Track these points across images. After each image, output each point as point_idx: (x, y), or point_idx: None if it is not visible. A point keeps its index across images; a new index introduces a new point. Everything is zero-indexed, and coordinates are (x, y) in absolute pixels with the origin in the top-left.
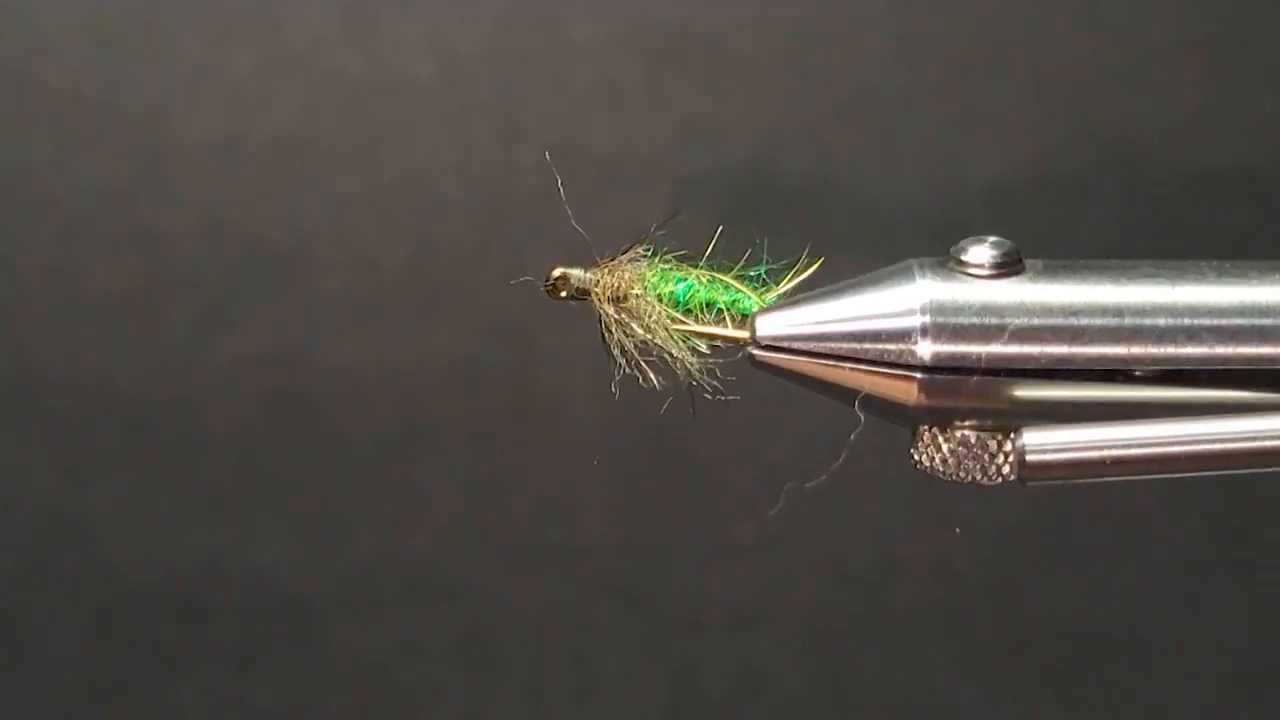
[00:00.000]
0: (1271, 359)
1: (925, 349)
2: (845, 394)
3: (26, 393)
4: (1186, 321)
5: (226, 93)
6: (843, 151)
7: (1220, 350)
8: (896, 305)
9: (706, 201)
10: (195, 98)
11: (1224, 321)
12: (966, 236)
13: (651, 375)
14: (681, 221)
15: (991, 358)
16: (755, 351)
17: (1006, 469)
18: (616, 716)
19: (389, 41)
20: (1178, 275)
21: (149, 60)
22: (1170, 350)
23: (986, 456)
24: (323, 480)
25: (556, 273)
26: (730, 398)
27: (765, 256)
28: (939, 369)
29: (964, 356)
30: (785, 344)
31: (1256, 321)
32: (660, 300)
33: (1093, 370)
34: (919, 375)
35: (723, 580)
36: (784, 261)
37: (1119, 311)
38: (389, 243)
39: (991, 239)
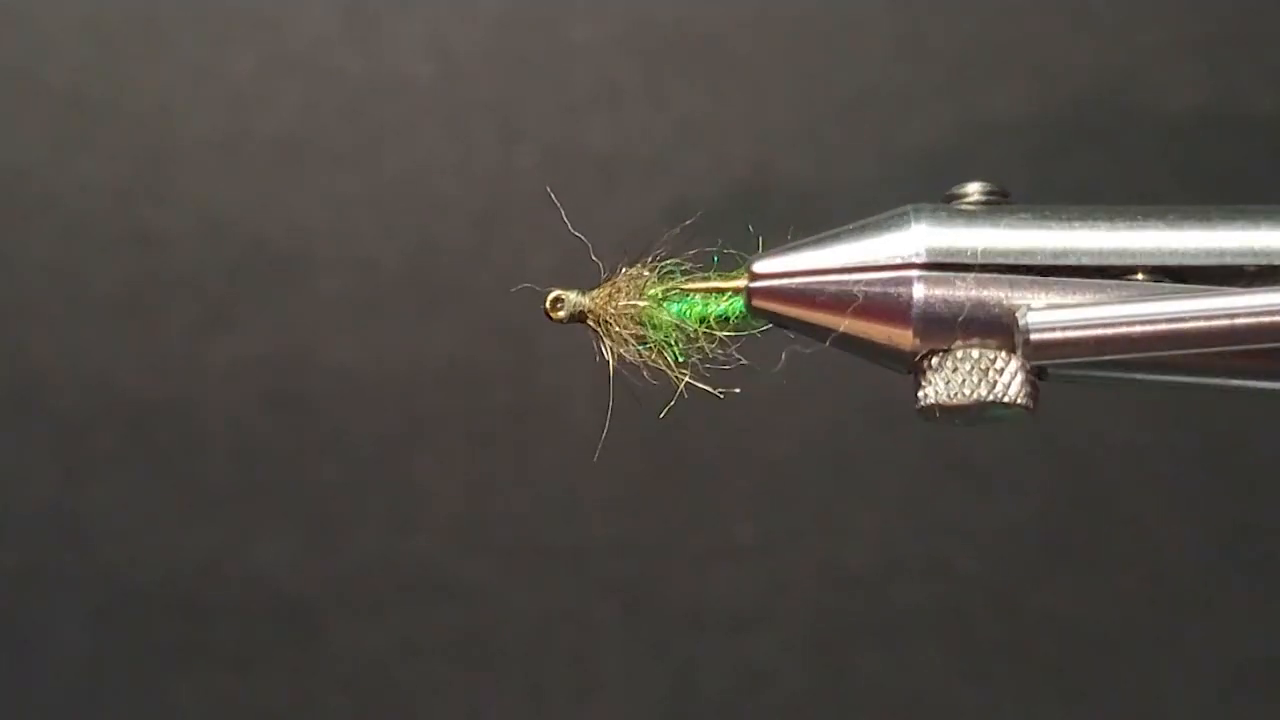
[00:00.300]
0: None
1: (920, 238)
2: (842, 337)
3: (26, 393)
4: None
5: (226, 93)
6: (843, 151)
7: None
8: (892, 229)
9: (706, 201)
10: (195, 98)
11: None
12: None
13: (646, 371)
14: (680, 225)
15: (987, 251)
16: (754, 285)
17: (1015, 386)
18: (616, 716)
19: (389, 41)
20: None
21: (149, 60)
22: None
23: (992, 372)
24: (323, 480)
25: (554, 295)
26: (725, 392)
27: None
28: (936, 265)
29: (958, 252)
30: (782, 281)
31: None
32: (656, 324)
33: (1088, 268)
34: (916, 274)
35: (723, 580)
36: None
37: (1110, 220)
38: (389, 243)
39: (980, 181)
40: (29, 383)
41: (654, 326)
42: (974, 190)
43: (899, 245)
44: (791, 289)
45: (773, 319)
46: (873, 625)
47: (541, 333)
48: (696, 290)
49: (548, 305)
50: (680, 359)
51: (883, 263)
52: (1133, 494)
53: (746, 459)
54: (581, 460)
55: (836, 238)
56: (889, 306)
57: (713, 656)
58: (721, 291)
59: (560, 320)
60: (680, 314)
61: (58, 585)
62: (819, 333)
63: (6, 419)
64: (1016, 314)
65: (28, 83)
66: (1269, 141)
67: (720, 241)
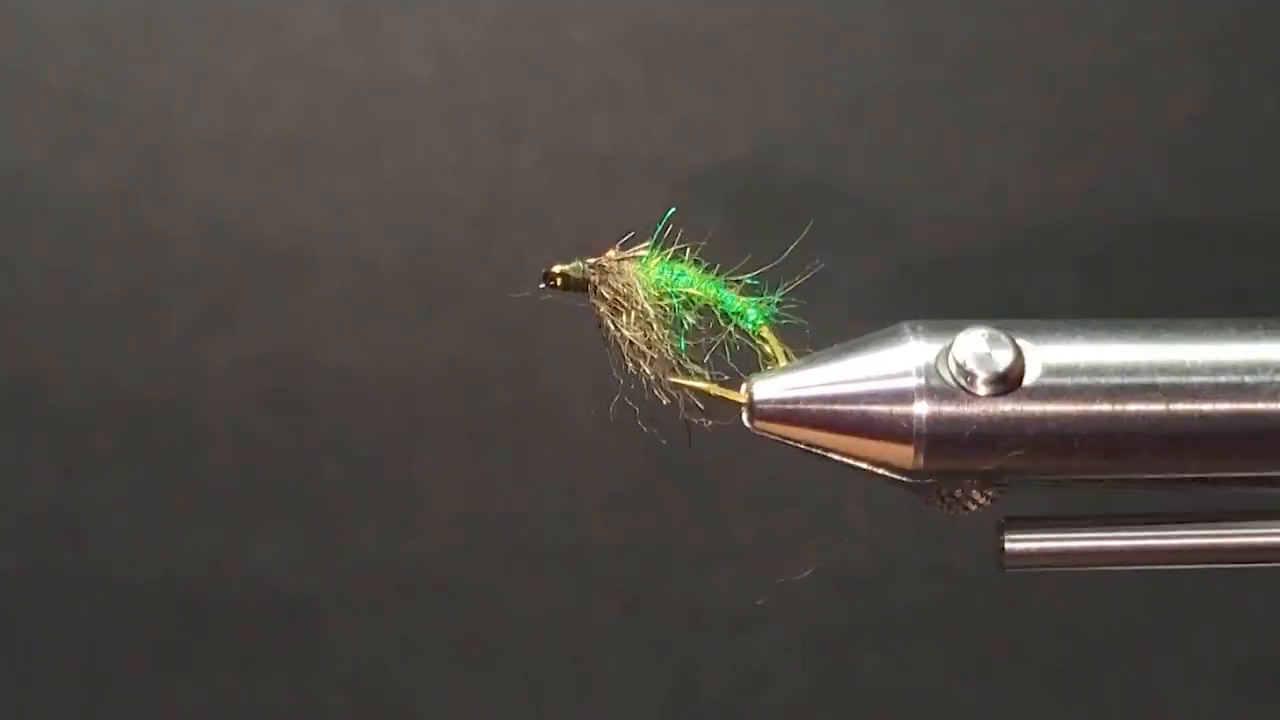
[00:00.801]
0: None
1: (918, 354)
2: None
3: (26, 393)
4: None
5: (226, 93)
6: (843, 151)
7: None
8: (889, 345)
9: (706, 201)
10: (195, 98)
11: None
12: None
13: (647, 368)
14: (679, 224)
15: (986, 472)
16: (754, 421)
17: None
18: (616, 716)
19: (389, 41)
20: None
21: (149, 60)
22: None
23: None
24: (323, 480)
25: (555, 269)
26: (709, 422)
27: (757, 268)
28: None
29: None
30: (782, 410)
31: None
32: (658, 291)
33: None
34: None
35: (723, 580)
36: (779, 260)
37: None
38: (389, 243)
39: (988, 342)
40: (29, 383)
41: (657, 289)
42: (982, 382)
43: (896, 362)
44: (793, 414)
45: (775, 437)
46: (873, 625)
47: (541, 333)
48: (693, 391)
49: (553, 274)
50: (680, 340)
51: (882, 384)
52: (1132, 493)
53: (746, 459)
54: (581, 460)
55: (835, 356)
56: (890, 428)
57: (713, 656)
58: (725, 401)
59: (558, 288)
60: (680, 283)
61: (58, 585)
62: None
63: (6, 419)
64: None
65: (28, 83)
66: (1269, 141)
67: (707, 233)
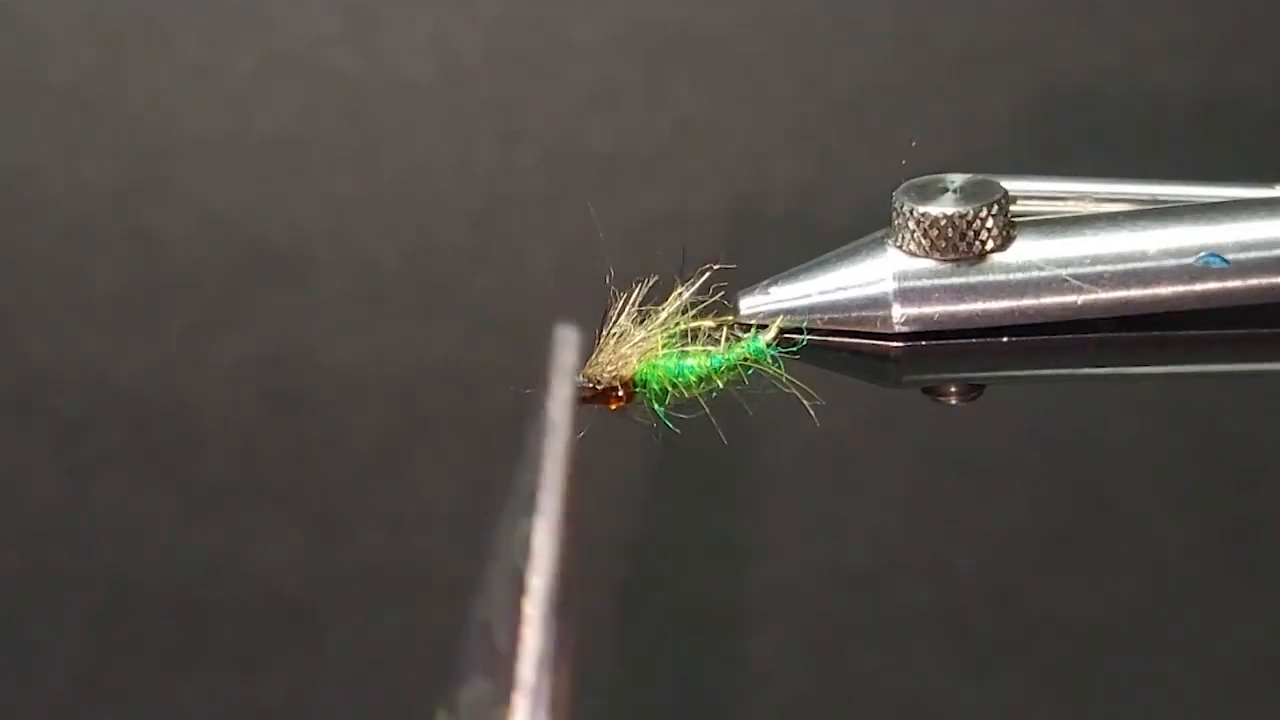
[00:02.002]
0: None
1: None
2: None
3: (26, 393)
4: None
5: (226, 93)
6: (843, 151)
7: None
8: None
9: (706, 201)
10: (195, 98)
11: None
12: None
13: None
14: (675, 231)
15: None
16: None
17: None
18: (616, 716)
19: (389, 41)
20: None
21: (149, 60)
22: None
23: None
24: (323, 480)
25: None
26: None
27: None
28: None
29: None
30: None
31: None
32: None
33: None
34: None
35: (723, 580)
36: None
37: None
38: (389, 243)
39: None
40: (29, 383)
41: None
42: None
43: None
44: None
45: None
46: (873, 625)
47: (542, 333)
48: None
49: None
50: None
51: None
52: (1133, 493)
53: (747, 459)
54: (582, 460)
55: (812, 269)
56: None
57: (713, 656)
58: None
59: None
60: (701, 368)
61: (58, 585)
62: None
63: (6, 419)
64: None
65: (28, 83)
66: (1269, 141)
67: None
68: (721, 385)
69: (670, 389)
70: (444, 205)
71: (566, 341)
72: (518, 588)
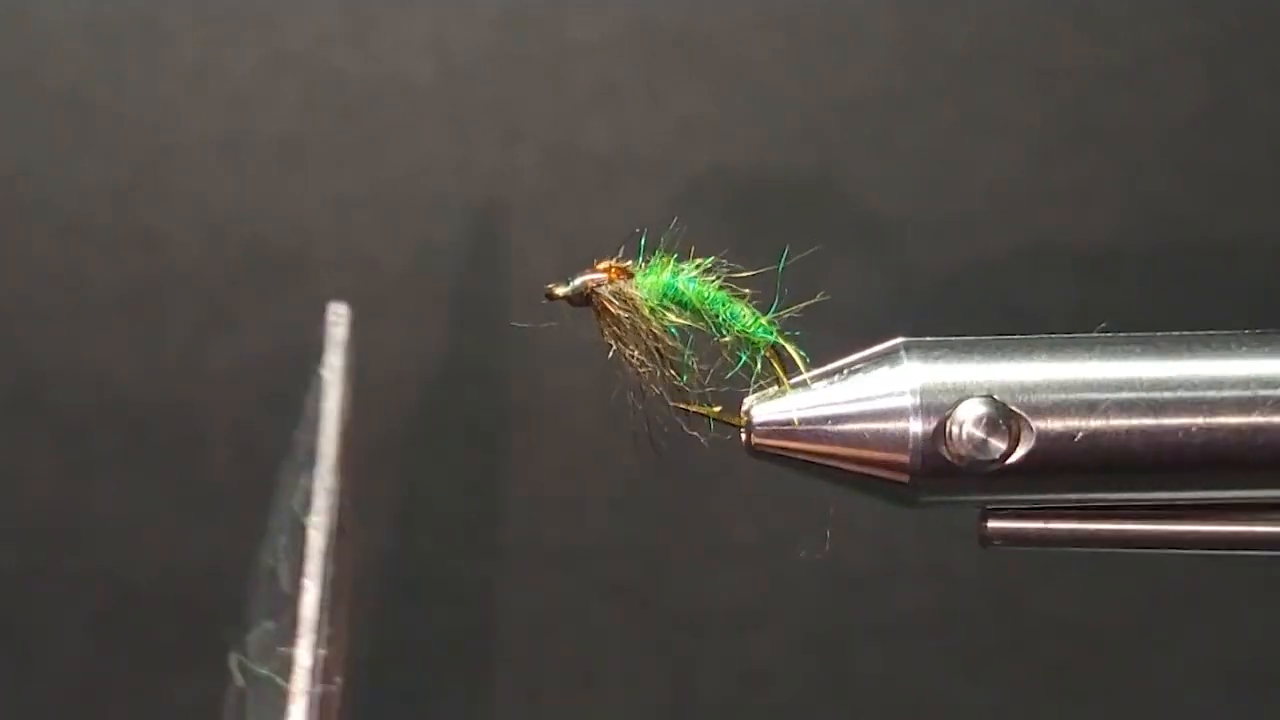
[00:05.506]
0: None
1: (913, 375)
2: (843, 477)
3: (26, 393)
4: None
5: (226, 93)
6: (843, 151)
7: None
8: (885, 365)
9: (706, 201)
10: (195, 98)
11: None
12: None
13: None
14: (679, 231)
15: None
16: (754, 440)
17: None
18: (616, 716)
19: (389, 41)
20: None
21: (149, 60)
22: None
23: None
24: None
25: (558, 291)
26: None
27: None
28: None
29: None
30: (780, 432)
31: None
32: (662, 298)
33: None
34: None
35: (723, 580)
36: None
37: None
38: (389, 243)
39: (985, 428)
40: (29, 383)
41: (661, 297)
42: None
43: (892, 383)
44: (791, 433)
45: (773, 458)
46: (873, 625)
47: (541, 333)
48: (695, 414)
49: (550, 293)
50: (682, 375)
51: (877, 404)
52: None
53: (747, 460)
54: (581, 460)
55: (830, 377)
56: (887, 442)
57: (713, 656)
58: (723, 423)
59: (559, 299)
60: (681, 290)
61: (58, 585)
62: (821, 470)
63: (6, 419)
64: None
65: (28, 83)
66: (1269, 141)
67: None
68: (713, 329)
69: (667, 297)
70: (444, 205)
71: (339, 316)
72: (299, 536)
